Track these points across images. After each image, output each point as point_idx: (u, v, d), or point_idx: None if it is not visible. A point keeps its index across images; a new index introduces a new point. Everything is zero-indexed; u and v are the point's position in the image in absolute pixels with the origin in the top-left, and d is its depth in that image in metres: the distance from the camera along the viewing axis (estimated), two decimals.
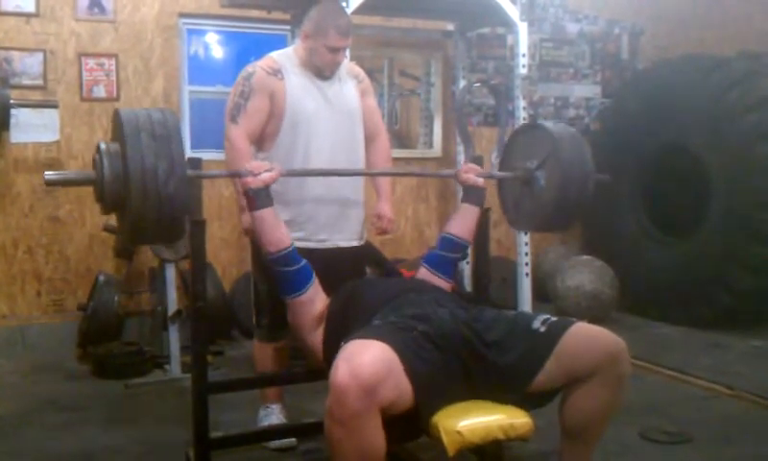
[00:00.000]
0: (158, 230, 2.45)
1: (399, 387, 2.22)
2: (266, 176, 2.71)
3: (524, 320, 2.56)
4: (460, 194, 6.04)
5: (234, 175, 2.93)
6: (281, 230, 2.75)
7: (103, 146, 2.43)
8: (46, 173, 2.43)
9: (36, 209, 5.34)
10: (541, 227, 3.34)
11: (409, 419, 2.30)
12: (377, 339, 2.27)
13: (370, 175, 3.62)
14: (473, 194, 3.07)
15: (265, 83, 3.31)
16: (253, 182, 2.69)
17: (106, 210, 2.52)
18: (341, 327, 2.61)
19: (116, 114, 2.45)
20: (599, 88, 7.20)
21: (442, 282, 2.97)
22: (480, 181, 3.06)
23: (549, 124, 3.13)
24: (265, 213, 2.71)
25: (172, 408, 4.06)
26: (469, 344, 2.45)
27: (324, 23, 3.30)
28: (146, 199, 2.33)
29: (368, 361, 2.14)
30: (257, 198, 2.70)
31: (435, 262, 3.02)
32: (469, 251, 3.19)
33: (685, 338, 5.58)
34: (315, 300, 2.80)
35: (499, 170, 3.25)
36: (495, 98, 6.29)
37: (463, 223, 3.05)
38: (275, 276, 2.82)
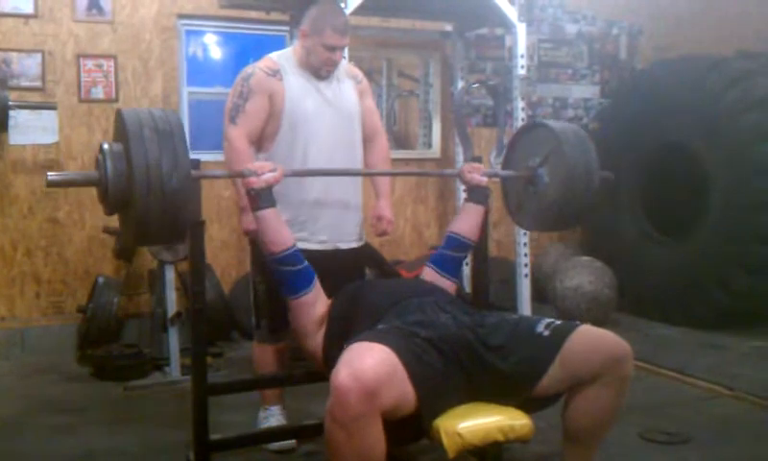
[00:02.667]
0: (162, 230, 2.44)
1: (402, 391, 2.22)
2: (269, 176, 2.70)
3: (528, 324, 2.55)
4: (460, 193, 6.08)
5: (237, 175, 2.92)
6: (284, 231, 2.75)
7: (105, 146, 2.42)
8: (48, 173, 2.41)
9: (35, 211, 5.34)
10: (547, 225, 3.33)
11: (410, 422, 2.30)
12: (380, 342, 2.26)
13: (372, 175, 3.62)
14: (477, 193, 3.07)
15: (264, 83, 3.31)
16: (257, 183, 2.68)
17: (109, 211, 2.51)
18: (343, 331, 2.61)
19: (119, 114, 2.45)
20: (598, 89, 7.21)
21: (446, 283, 2.97)
22: (484, 179, 3.07)
23: (552, 122, 3.13)
24: (268, 213, 2.70)
25: (172, 410, 4.06)
26: (472, 349, 2.45)
27: (321, 22, 3.31)
28: (150, 199, 2.32)
29: (370, 364, 2.14)
30: (260, 198, 2.69)
31: (441, 262, 3.02)
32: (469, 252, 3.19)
33: (685, 339, 5.57)
34: (317, 302, 2.79)
35: (502, 169, 3.25)
36: (494, 99, 6.27)
37: (468, 222, 3.05)
38: (277, 276, 2.81)
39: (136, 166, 2.31)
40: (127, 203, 2.40)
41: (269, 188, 2.71)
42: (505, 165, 3.26)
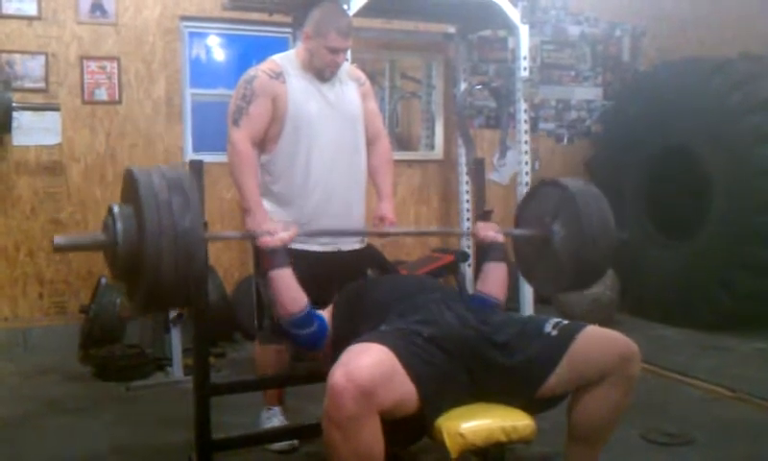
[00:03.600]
0: (175, 295, 2.32)
1: (400, 390, 2.22)
2: (284, 235, 2.66)
3: (535, 323, 2.55)
4: (463, 195, 6.08)
5: (249, 237, 2.86)
6: (299, 291, 2.67)
7: (116, 209, 2.29)
8: (55, 237, 2.32)
9: (38, 212, 5.35)
10: (563, 286, 3.19)
11: (412, 422, 2.30)
12: (378, 343, 2.26)
13: (381, 235, 3.64)
14: (495, 251, 2.95)
15: (267, 86, 3.31)
16: (271, 242, 2.64)
17: (117, 276, 2.39)
18: (349, 333, 2.60)
19: (129, 174, 2.32)
20: (600, 91, 7.21)
21: None
22: (500, 236, 2.96)
23: (565, 180, 3.01)
24: (282, 273, 2.64)
25: (174, 411, 4.05)
26: (477, 347, 2.45)
27: (324, 24, 3.31)
28: (163, 263, 2.19)
29: (365, 364, 2.14)
30: (275, 258, 2.64)
31: None
32: (471, 253, 3.18)
33: (687, 340, 5.57)
34: (329, 352, 2.72)
35: (515, 228, 3.17)
36: (497, 100, 6.31)
37: (494, 281, 2.91)
38: (291, 338, 2.77)
39: (149, 230, 2.19)
40: (137, 268, 2.27)
41: (283, 247, 2.66)
42: (517, 223, 3.17)
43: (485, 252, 2.99)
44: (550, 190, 3.04)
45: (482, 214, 3.28)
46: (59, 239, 2.32)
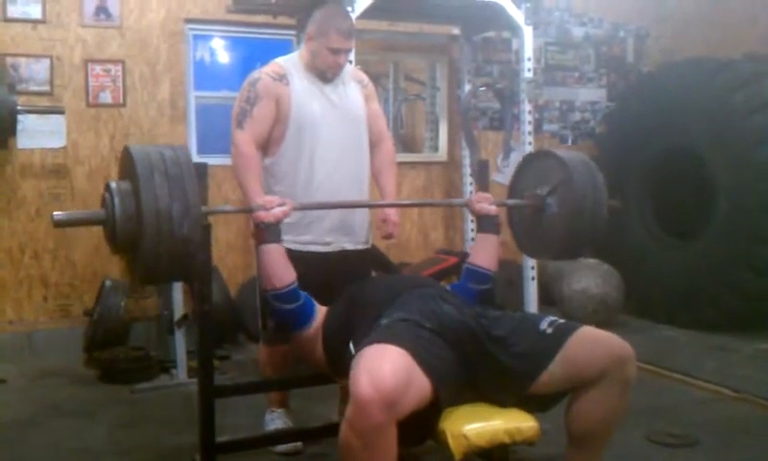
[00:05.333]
0: (173, 269, 2.37)
1: (419, 392, 2.23)
2: (278, 211, 2.72)
3: (531, 320, 2.57)
4: (467, 195, 6.07)
5: (246, 210, 2.91)
6: (287, 267, 2.73)
7: (113, 185, 2.34)
8: (54, 213, 2.36)
9: (43, 214, 5.35)
10: (554, 254, 3.28)
11: (418, 422, 2.30)
12: (393, 344, 2.26)
13: (381, 207, 3.63)
14: (488, 222, 3.03)
15: (271, 88, 3.32)
16: (266, 217, 2.70)
17: (116, 251, 2.45)
18: (345, 328, 2.61)
19: (126, 152, 2.37)
20: (604, 92, 7.20)
21: None
22: (493, 208, 3.03)
23: (560, 151, 3.09)
24: (273, 248, 2.71)
25: (178, 413, 4.06)
26: (476, 337, 2.47)
27: (326, 25, 3.32)
28: (161, 239, 2.23)
29: (389, 372, 2.13)
30: (267, 232, 2.71)
31: (461, 293, 2.90)
32: None
33: (691, 341, 5.56)
34: (317, 336, 2.78)
35: (509, 198, 3.22)
36: (501, 102, 6.29)
37: (484, 252, 3.00)
38: (276, 314, 2.83)
39: (146, 206, 2.22)
40: (135, 244, 2.31)
41: (277, 223, 2.72)
42: (511, 193, 3.23)
43: (479, 222, 3.08)
44: (545, 160, 3.11)
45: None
46: (59, 215, 2.36)
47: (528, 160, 3.27)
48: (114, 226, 2.31)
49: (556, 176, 2.99)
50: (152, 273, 2.34)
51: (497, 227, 3.04)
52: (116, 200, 2.30)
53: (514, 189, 3.22)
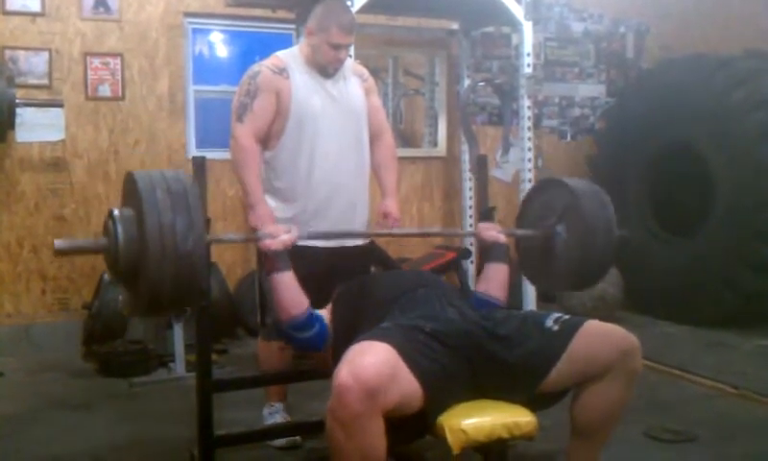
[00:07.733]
0: (175, 300, 2.30)
1: (405, 389, 2.21)
2: (285, 238, 2.64)
3: (536, 318, 2.56)
4: (466, 191, 6.08)
5: (252, 239, 2.86)
6: (300, 294, 2.65)
7: (116, 212, 2.27)
8: (56, 241, 2.28)
9: (42, 208, 5.35)
10: (566, 285, 3.21)
11: (414, 418, 2.30)
12: (381, 340, 2.26)
13: (384, 236, 3.64)
14: (497, 251, 2.94)
15: (271, 82, 3.31)
16: (273, 245, 2.62)
17: (118, 280, 2.38)
18: (349, 331, 2.59)
19: (130, 177, 2.30)
20: (604, 88, 7.20)
21: None
22: (502, 237, 2.95)
23: (568, 179, 3.02)
24: (285, 277, 2.62)
25: (176, 406, 4.06)
26: (479, 342, 2.45)
27: (326, 20, 3.31)
28: (164, 267, 2.16)
29: (370, 362, 2.13)
30: (276, 260, 2.63)
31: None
32: (474, 250, 3.17)
33: (690, 337, 5.57)
34: (329, 347, 2.73)
35: (517, 228, 3.16)
36: (500, 97, 6.29)
37: (495, 282, 2.90)
38: (296, 343, 2.78)
39: (150, 233, 2.16)
40: (137, 272, 2.24)
41: (285, 251, 2.65)
42: (519, 223, 3.16)
43: (487, 252, 2.99)
44: (554, 189, 3.04)
45: (484, 211, 3.27)
46: (59, 243, 2.29)
47: (535, 191, 3.19)
48: (117, 251, 2.23)
49: (564, 203, 2.92)
50: (155, 295, 2.23)
51: (506, 255, 2.95)
52: (119, 227, 2.24)
53: (521, 219, 3.16)
